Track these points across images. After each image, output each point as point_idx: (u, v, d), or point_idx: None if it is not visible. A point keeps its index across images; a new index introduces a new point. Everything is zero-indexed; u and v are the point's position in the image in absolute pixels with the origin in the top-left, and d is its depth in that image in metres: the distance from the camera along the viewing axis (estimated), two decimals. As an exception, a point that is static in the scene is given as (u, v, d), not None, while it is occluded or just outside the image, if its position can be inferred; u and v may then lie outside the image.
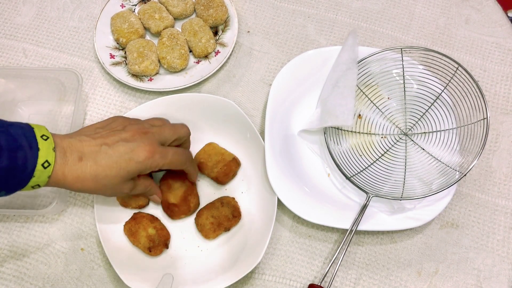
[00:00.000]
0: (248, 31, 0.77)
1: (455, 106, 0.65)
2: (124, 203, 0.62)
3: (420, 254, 0.63)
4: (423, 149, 0.65)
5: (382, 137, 0.68)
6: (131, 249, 0.60)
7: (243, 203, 0.63)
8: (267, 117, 0.65)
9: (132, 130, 0.53)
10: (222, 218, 0.61)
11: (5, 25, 0.76)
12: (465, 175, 0.60)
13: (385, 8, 0.79)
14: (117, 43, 0.73)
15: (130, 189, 0.54)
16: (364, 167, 0.64)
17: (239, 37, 0.75)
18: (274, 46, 0.76)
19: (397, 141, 0.67)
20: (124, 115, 0.63)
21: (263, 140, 0.63)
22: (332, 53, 0.69)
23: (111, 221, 0.61)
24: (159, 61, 0.71)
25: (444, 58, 0.64)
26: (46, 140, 0.47)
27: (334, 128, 0.66)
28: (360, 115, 0.68)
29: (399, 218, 0.61)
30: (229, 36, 0.73)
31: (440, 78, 0.66)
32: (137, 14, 0.75)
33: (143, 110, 0.65)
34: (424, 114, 0.67)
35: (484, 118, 0.61)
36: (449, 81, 0.65)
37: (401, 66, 0.67)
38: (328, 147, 0.64)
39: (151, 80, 0.70)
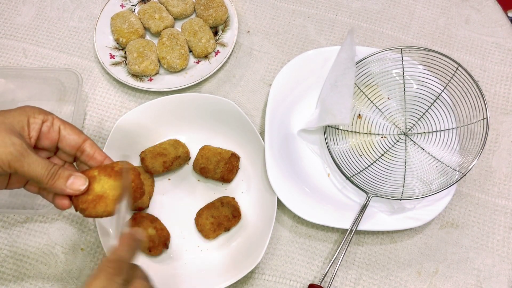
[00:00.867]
0: (248, 31, 0.77)
1: (455, 106, 0.65)
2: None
3: (420, 254, 0.63)
4: (423, 149, 0.65)
5: (382, 137, 0.68)
6: (131, 249, 0.60)
7: (243, 203, 0.63)
8: (267, 117, 0.64)
9: None
10: (222, 218, 0.61)
11: (5, 25, 0.76)
12: (465, 175, 0.60)
13: (385, 8, 0.79)
14: (117, 43, 0.73)
15: None
16: (364, 167, 0.64)
17: (239, 37, 0.75)
18: (274, 46, 0.76)
19: (397, 141, 0.67)
20: (124, 115, 0.63)
21: (263, 140, 0.63)
22: (332, 53, 0.69)
23: (111, 222, 0.61)
24: (159, 61, 0.71)
25: (444, 58, 0.64)
26: None
27: (334, 128, 0.66)
28: (360, 115, 0.68)
29: (399, 218, 0.61)
30: (229, 36, 0.73)
31: (440, 78, 0.66)
32: (137, 14, 0.75)
33: (143, 110, 0.65)
34: (424, 114, 0.67)
35: (484, 118, 0.61)
36: (449, 81, 0.65)
37: (401, 66, 0.67)
38: (328, 147, 0.64)
39: (151, 80, 0.70)
